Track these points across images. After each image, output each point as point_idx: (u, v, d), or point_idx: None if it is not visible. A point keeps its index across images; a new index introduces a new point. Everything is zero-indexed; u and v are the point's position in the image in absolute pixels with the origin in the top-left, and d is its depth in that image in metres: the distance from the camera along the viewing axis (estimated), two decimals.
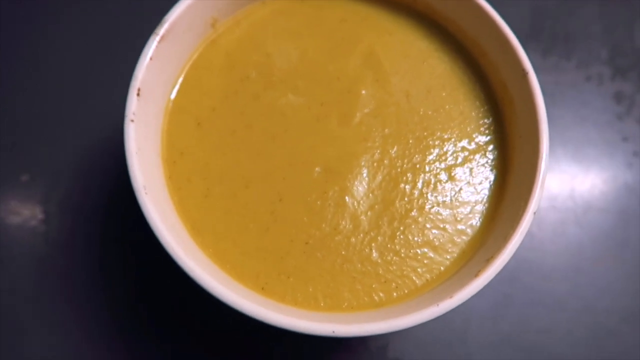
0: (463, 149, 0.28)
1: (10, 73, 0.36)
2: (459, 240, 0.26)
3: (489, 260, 0.23)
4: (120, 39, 0.37)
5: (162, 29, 0.26)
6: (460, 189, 0.27)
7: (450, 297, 0.22)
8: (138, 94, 0.25)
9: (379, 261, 0.25)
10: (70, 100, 0.36)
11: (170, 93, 0.28)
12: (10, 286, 0.31)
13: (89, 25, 0.38)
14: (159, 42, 0.26)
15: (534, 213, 0.24)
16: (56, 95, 0.36)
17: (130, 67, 0.26)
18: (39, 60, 0.37)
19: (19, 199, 0.34)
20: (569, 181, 0.37)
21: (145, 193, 0.23)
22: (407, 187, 0.27)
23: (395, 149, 0.28)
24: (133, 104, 0.24)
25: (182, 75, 0.29)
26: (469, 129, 0.29)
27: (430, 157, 0.28)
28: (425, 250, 0.26)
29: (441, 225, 0.26)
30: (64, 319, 0.31)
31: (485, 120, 0.29)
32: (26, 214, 0.33)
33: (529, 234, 0.34)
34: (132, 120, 0.24)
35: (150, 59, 0.25)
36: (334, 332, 0.21)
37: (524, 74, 0.27)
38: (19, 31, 0.38)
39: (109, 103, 0.35)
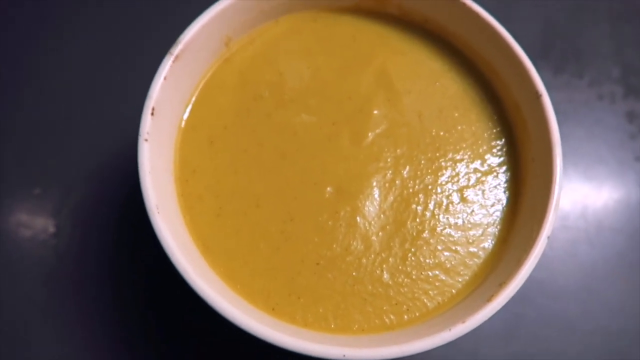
0: (475, 170, 0.28)
1: (22, 87, 0.37)
2: (471, 262, 0.26)
3: (501, 284, 0.23)
4: (132, 55, 0.38)
5: (177, 49, 0.26)
6: (473, 210, 0.27)
7: (463, 322, 0.22)
8: (152, 113, 0.25)
9: (390, 283, 0.25)
10: (81, 114, 0.36)
11: (184, 112, 0.28)
12: (21, 298, 0.32)
13: (102, 42, 0.38)
14: (174, 61, 0.26)
15: (548, 237, 0.24)
16: (68, 109, 0.36)
17: (142, 83, 0.26)
18: (51, 73, 0.37)
19: (30, 212, 0.34)
20: (581, 200, 0.37)
21: (158, 212, 0.23)
22: (418, 208, 0.27)
23: (407, 169, 0.28)
24: (147, 123, 0.25)
25: (196, 94, 0.29)
26: (481, 150, 0.29)
27: (443, 178, 0.28)
28: (437, 272, 0.26)
29: (453, 248, 0.26)
30: (73, 330, 0.31)
31: (498, 142, 0.29)
32: (37, 226, 0.33)
33: None
34: (147, 140, 0.24)
35: (165, 78, 0.26)
36: (344, 355, 0.21)
37: (537, 96, 0.27)
38: (33, 45, 0.38)
39: (120, 118, 0.35)
